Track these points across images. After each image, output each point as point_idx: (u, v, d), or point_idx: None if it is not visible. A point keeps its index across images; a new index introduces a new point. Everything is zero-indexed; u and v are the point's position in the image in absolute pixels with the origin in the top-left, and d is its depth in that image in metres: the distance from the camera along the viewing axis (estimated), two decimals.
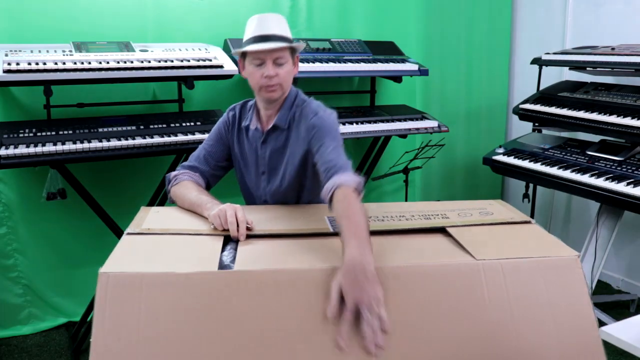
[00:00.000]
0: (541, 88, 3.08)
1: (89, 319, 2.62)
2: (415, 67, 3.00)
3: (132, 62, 2.43)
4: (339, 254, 1.20)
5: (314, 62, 2.77)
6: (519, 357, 1.09)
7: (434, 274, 1.20)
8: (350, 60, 2.89)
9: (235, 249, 1.32)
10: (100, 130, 2.43)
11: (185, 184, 1.72)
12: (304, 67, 2.74)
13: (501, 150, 2.95)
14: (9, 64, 2.24)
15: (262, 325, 1.08)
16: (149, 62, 2.46)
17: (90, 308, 2.63)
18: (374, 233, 1.28)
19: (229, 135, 1.86)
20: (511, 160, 2.81)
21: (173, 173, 1.79)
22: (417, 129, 2.94)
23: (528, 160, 2.75)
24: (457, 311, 1.13)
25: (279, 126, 1.76)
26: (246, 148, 1.83)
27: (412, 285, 1.16)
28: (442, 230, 1.42)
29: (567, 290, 1.18)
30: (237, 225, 1.36)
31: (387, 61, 3.00)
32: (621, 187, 2.29)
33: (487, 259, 1.23)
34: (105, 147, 2.34)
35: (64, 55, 2.40)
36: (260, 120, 1.81)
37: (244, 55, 1.73)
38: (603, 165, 2.52)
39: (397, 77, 3.08)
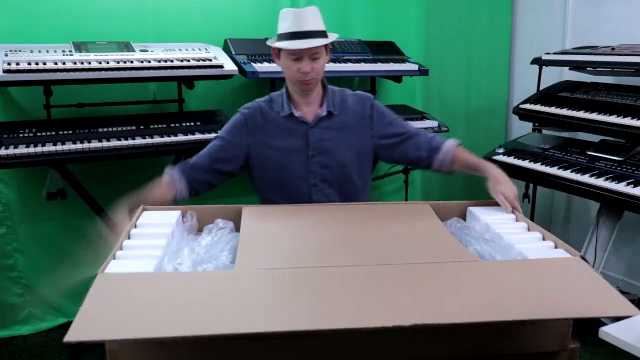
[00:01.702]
0: (541, 88, 3.08)
1: None
2: (415, 67, 3.00)
3: (132, 62, 2.43)
4: (339, 253, 1.19)
5: None
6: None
7: (437, 272, 1.20)
8: (350, 60, 2.89)
9: (235, 249, 1.32)
10: (100, 130, 2.43)
11: (161, 184, 1.81)
12: None
13: (501, 150, 2.94)
14: (9, 64, 2.24)
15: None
16: (149, 62, 2.46)
17: None
18: None
19: (249, 137, 1.87)
20: (511, 160, 2.81)
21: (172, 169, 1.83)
22: (417, 129, 2.94)
23: (528, 160, 2.74)
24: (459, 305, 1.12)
25: (333, 112, 1.87)
26: (288, 138, 1.86)
27: (420, 280, 1.16)
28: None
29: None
30: None
31: (387, 61, 3.00)
32: (621, 187, 2.29)
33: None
34: (105, 147, 2.34)
35: (64, 55, 2.40)
36: (297, 108, 1.87)
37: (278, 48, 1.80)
38: (603, 165, 2.51)
39: (397, 77, 3.08)
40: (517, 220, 1.59)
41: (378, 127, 1.91)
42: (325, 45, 1.82)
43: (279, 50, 1.81)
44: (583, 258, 1.28)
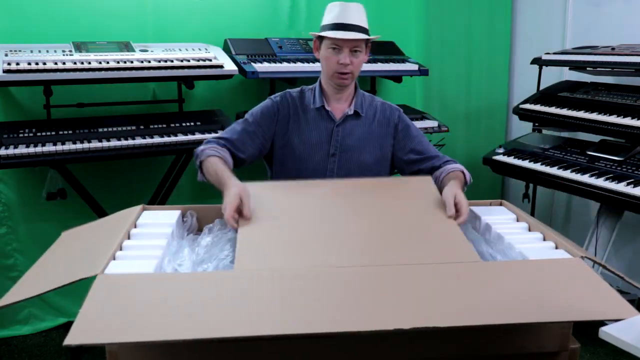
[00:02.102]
0: (541, 88, 3.08)
1: None
2: (415, 67, 3.00)
3: (132, 62, 2.43)
4: (339, 254, 1.19)
5: (314, 62, 2.77)
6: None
7: (438, 273, 1.20)
8: None
9: (234, 250, 1.31)
10: (100, 130, 2.43)
11: (211, 161, 1.68)
12: (304, 67, 2.74)
13: (501, 150, 2.94)
14: (9, 64, 2.24)
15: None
16: (149, 62, 2.46)
17: None
18: None
19: (277, 126, 1.85)
20: (511, 160, 2.81)
21: (200, 147, 1.76)
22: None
23: (528, 160, 2.74)
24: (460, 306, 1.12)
25: (360, 113, 1.86)
26: (313, 130, 1.85)
27: (420, 282, 1.16)
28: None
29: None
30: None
31: (387, 61, 3.00)
32: (621, 187, 2.29)
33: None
34: (105, 147, 2.34)
35: (64, 55, 2.40)
36: (328, 103, 1.86)
37: (320, 38, 1.81)
38: (603, 165, 2.52)
39: (397, 77, 3.08)
40: (517, 220, 1.59)
41: (400, 138, 1.90)
42: (366, 44, 1.83)
43: (321, 41, 1.81)
44: (589, 258, 1.28)
